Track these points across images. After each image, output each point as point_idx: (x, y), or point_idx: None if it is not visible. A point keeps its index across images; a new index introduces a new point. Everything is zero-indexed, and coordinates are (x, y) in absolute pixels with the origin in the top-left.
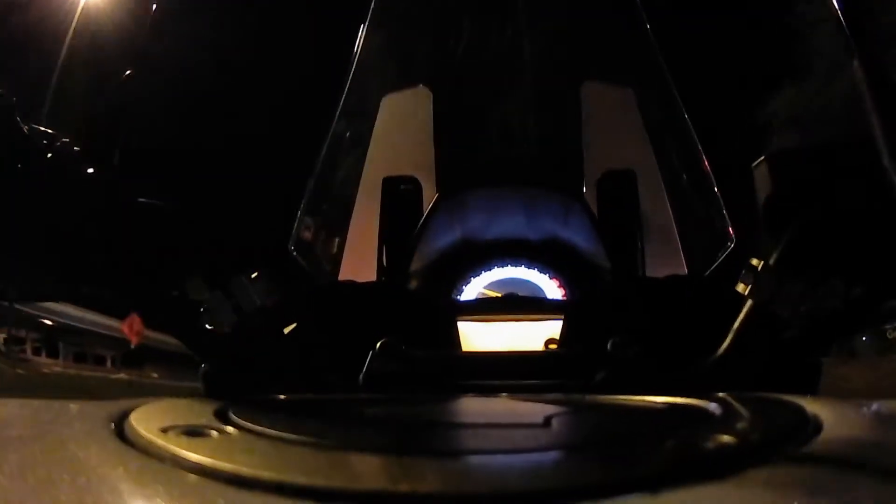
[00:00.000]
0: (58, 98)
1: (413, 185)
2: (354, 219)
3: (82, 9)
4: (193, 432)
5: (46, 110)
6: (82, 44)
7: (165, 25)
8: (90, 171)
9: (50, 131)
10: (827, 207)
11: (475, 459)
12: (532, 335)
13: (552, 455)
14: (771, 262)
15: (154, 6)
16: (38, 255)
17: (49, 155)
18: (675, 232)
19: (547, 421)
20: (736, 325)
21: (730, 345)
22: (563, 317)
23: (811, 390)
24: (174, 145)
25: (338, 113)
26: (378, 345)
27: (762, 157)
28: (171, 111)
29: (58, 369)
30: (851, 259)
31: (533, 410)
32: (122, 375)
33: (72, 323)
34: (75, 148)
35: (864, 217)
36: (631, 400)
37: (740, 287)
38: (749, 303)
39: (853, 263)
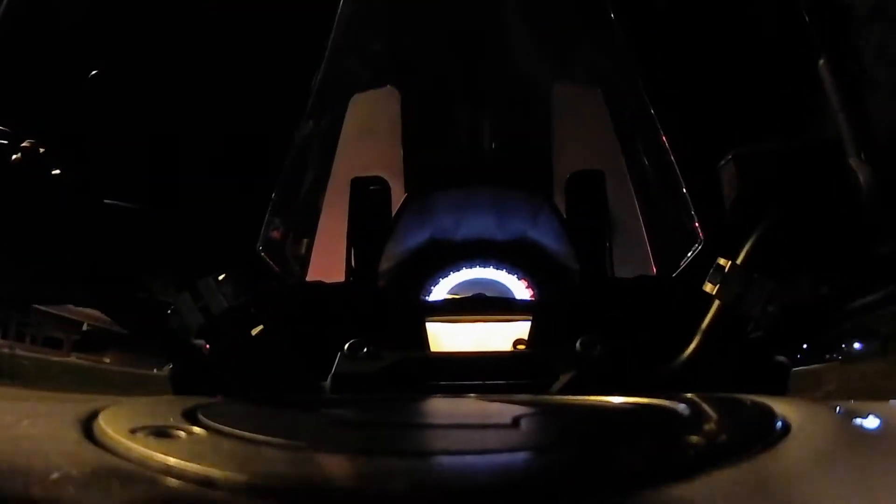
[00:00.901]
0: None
1: (381, 185)
2: (323, 219)
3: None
4: (162, 433)
5: None
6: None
7: (131, 18)
8: (56, 172)
9: (8, 130)
10: (793, 207)
11: (444, 460)
12: (500, 336)
13: (521, 456)
14: (738, 261)
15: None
16: (2, 258)
17: (14, 156)
18: (644, 232)
19: (515, 421)
20: (704, 325)
21: (698, 345)
22: (531, 317)
23: (780, 390)
24: (140, 146)
25: (305, 113)
26: (347, 345)
27: (729, 157)
28: (137, 110)
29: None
30: (818, 258)
31: (501, 411)
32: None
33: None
34: (41, 149)
35: (830, 216)
36: (599, 400)
37: (708, 287)
38: (717, 303)
39: (820, 262)
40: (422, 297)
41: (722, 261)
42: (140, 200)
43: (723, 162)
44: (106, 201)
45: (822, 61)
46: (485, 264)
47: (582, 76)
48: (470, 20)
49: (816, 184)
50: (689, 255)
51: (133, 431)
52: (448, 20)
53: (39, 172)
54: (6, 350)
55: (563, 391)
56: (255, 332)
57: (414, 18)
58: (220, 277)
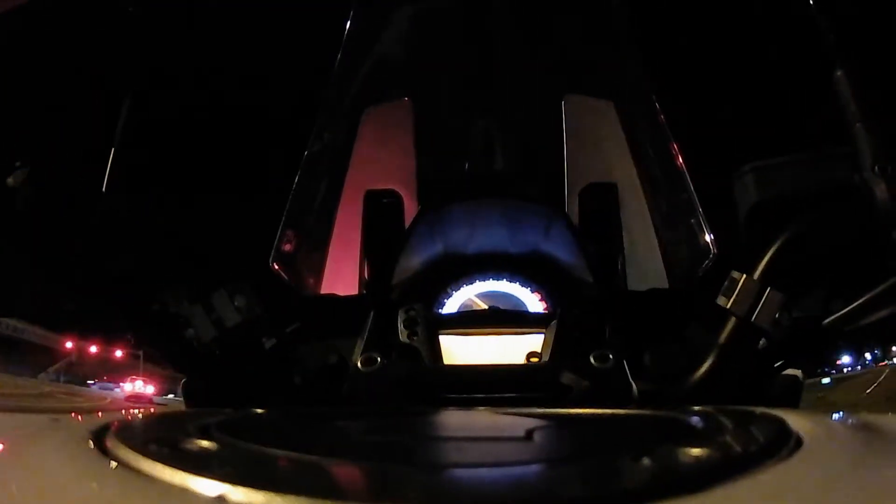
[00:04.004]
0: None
1: (395, 198)
2: (336, 232)
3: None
4: (175, 446)
5: None
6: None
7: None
8: (74, 184)
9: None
10: (808, 220)
11: (457, 473)
12: (514, 348)
13: (534, 469)
14: (755, 276)
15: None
16: (20, 269)
17: (28, 170)
18: (657, 245)
19: (529, 434)
20: (721, 339)
21: (713, 359)
22: (544, 330)
23: (792, 403)
24: (154, 160)
25: (317, 125)
26: (360, 358)
27: (743, 169)
28: (153, 125)
29: None
30: (833, 271)
31: (515, 424)
32: None
33: None
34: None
35: (845, 229)
36: (612, 413)
37: (722, 300)
38: (732, 317)
39: (834, 276)
40: (435, 309)
41: (736, 274)
42: (154, 213)
43: (737, 174)
44: (121, 213)
45: (838, 72)
46: (498, 277)
47: (594, 88)
48: (482, 32)
49: (831, 196)
50: (702, 268)
51: (146, 444)
52: (460, 32)
53: (55, 186)
54: None
55: (576, 404)
56: (268, 344)
57: (426, 31)
58: (234, 290)
